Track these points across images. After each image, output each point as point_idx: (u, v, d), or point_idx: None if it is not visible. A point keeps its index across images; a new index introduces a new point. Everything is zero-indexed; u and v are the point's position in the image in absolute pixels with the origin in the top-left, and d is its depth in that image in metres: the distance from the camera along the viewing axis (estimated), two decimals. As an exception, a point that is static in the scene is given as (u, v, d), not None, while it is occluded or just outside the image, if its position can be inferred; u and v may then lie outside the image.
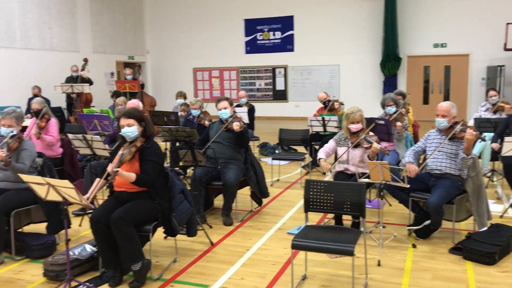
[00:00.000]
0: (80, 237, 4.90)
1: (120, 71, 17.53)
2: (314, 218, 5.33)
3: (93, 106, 12.88)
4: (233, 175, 5.11)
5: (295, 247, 3.37)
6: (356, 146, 4.78)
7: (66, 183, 3.15)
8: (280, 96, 17.17)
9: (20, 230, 4.61)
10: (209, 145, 5.22)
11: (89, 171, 5.63)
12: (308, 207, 3.74)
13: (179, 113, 8.42)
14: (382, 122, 5.69)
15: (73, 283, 3.57)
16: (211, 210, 5.64)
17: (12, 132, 4.28)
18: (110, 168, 3.49)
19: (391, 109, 6.19)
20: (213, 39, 17.64)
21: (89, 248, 4.03)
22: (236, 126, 5.13)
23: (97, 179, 3.89)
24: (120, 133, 3.83)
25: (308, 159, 7.93)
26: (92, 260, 4.01)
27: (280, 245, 4.55)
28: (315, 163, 7.73)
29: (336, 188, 3.69)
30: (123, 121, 3.79)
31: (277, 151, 9.35)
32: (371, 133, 4.78)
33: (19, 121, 4.35)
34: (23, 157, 4.29)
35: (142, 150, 3.83)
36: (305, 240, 3.37)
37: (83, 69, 12.59)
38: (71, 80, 12.62)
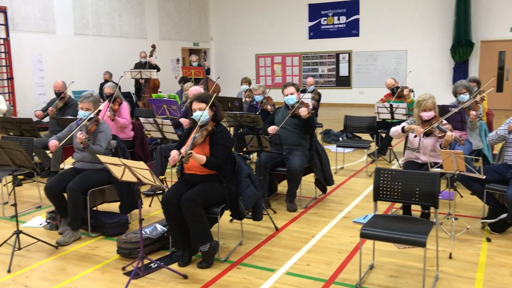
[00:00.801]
0: (150, 216, 5.09)
1: (185, 57, 17.91)
2: (381, 207, 5.21)
3: (160, 92, 13.27)
4: (298, 162, 5.10)
5: (364, 236, 3.31)
6: (428, 134, 4.60)
7: (141, 164, 3.27)
8: (344, 82, 16.86)
9: (94, 208, 4.86)
10: (278, 131, 5.22)
11: (159, 154, 5.82)
12: (378, 196, 3.65)
13: (243, 99, 8.49)
14: (455, 110, 5.43)
15: (145, 261, 3.72)
16: (274, 195, 5.66)
17: (89, 115, 4.49)
18: (183, 150, 3.58)
19: (464, 97, 5.89)
20: (276, 25, 17.57)
21: (159, 228, 4.18)
22: (303, 112, 5.09)
23: (173, 152, 4.01)
24: (192, 117, 3.91)
25: (374, 147, 7.74)
26: (162, 240, 4.15)
27: (345, 233, 4.50)
28: (381, 151, 7.55)
29: (408, 178, 3.58)
30: (195, 105, 3.87)
31: (340, 139, 9.22)
32: (444, 121, 4.58)
33: (96, 104, 4.56)
34: (100, 139, 4.49)
35: (213, 134, 3.90)
36: (375, 230, 3.31)
37: (151, 55, 12.97)
38: (139, 66, 13.05)
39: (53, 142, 4.42)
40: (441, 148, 4.41)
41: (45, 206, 5.45)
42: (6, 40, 11.22)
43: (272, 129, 5.23)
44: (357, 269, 3.69)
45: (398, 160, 7.41)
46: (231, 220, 4.72)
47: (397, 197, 3.64)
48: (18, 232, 4.06)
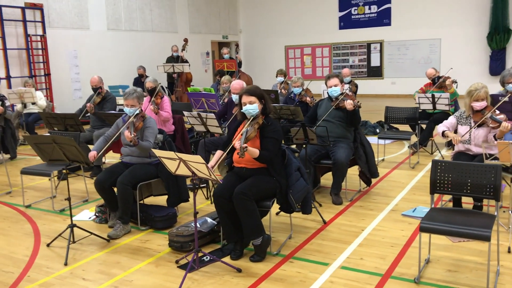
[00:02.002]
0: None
1: (214, 50, 17.94)
2: (428, 200, 5.11)
3: (193, 85, 13.33)
4: (343, 154, 5.03)
5: (424, 229, 3.24)
6: (480, 125, 4.47)
7: (197, 158, 3.27)
8: (375, 72, 16.61)
9: (141, 202, 4.91)
10: (319, 124, 5.17)
11: (202, 147, 5.83)
12: (435, 188, 3.56)
13: (279, 91, 8.44)
14: (505, 98, 5.26)
15: (199, 254, 3.73)
16: (318, 188, 5.62)
17: (135, 111, 4.51)
18: (237, 144, 3.56)
19: (512, 86, 5.73)
20: (305, 15, 17.40)
21: (210, 221, 4.19)
22: (349, 105, 5.00)
23: (218, 152, 4.02)
24: (242, 110, 3.89)
25: (414, 138, 7.60)
26: (213, 233, 4.17)
27: (396, 226, 4.42)
28: (422, 143, 7.40)
29: (466, 169, 3.48)
30: (245, 99, 3.85)
31: (378, 130, 9.09)
32: (497, 111, 4.44)
33: (140, 100, 4.58)
34: (147, 135, 4.52)
35: (263, 127, 3.87)
36: (435, 223, 3.23)
37: (183, 49, 13.03)
38: (171, 60, 13.14)
39: (92, 153, 4.45)
40: (495, 140, 4.28)
41: (92, 200, 5.55)
42: (43, 37, 11.43)
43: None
44: (413, 264, 3.63)
45: (440, 152, 7.26)
46: (277, 213, 4.70)
47: (454, 190, 3.55)
48: (72, 226, 4.13)
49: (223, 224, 3.90)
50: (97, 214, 4.84)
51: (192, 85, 13.42)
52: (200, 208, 5.15)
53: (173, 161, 3.47)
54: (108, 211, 4.74)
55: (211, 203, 5.33)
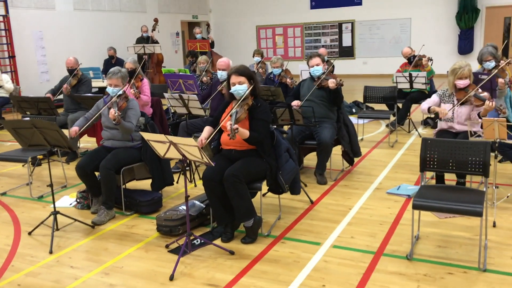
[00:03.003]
0: (180, 193, 5.03)
1: (184, 30, 17.59)
2: (411, 178, 5.20)
3: (164, 66, 13.05)
4: (328, 134, 5.03)
5: (417, 207, 3.27)
6: (463, 103, 4.53)
7: (189, 141, 3.18)
8: (347, 52, 16.66)
9: (123, 186, 4.78)
10: (303, 104, 5.14)
11: (183, 130, 5.72)
12: (425, 166, 3.60)
13: (255, 71, 8.35)
14: (485, 77, 5.35)
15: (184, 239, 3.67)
16: (301, 169, 5.61)
17: (119, 91, 4.36)
18: (228, 125, 3.48)
19: (490, 64, 5.85)
20: (277, -5, 17.23)
21: (198, 204, 4.12)
22: (332, 83, 4.98)
23: (208, 128, 3.92)
24: (230, 91, 3.81)
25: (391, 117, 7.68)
26: (201, 216, 4.11)
27: (382, 204, 4.47)
28: (399, 122, 7.48)
29: (455, 147, 3.52)
30: (235, 79, 3.76)
31: (354, 110, 9.15)
32: (479, 90, 4.51)
33: (124, 80, 4.43)
34: (130, 116, 4.38)
35: (252, 108, 3.80)
36: (427, 200, 3.26)
37: (153, 29, 12.70)
38: (141, 40, 12.80)
39: (73, 129, 4.30)
40: (480, 117, 4.35)
41: (70, 186, 5.38)
42: (6, 17, 10.91)
43: (295, 103, 5.13)
44: (403, 240, 3.68)
45: (417, 130, 7.37)
46: (264, 194, 4.67)
47: (443, 167, 3.59)
48: (55, 213, 3.98)
49: (213, 207, 3.84)
50: (78, 200, 4.69)
51: (164, 66, 13.15)
52: (183, 192, 5.06)
53: (162, 144, 3.37)
54: (90, 196, 4.60)
55: (195, 186, 5.27)
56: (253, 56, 8.83)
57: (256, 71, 8.32)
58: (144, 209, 4.45)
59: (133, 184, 4.96)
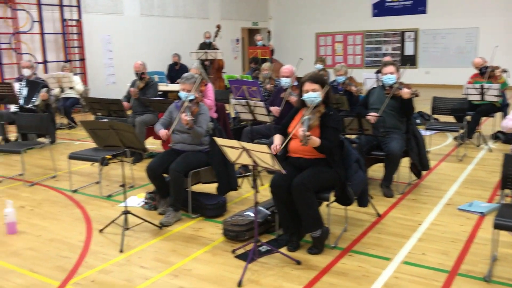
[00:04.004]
0: (243, 198, 5.04)
1: (244, 37, 17.79)
2: (482, 194, 4.96)
3: (224, 72, 13.25)
4: (397, 146, 4.89)
5: (500, 227, 3.10)
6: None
7: (263, 148, 3.18)
8: (409, 61, 16.22)
9: (188, 189, 4.85)
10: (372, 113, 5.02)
11: (246, 136, 5.75)
12: (506, 183, 3.41)
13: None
14: None
15: (251, 246, 3.65)
16: (365, 179, 5.48)
17: (190, 96, 4.44)
18: (301, 132, 3.45)
19: None
20: (338, 2, 17.10)
21: (263, 211, 4.11)
22: (406, 93, 4.84)
23: (278, 137, 3.91)
24: (303, 98, 3.78)
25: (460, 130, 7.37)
26: (266, 223, 4.09)
27: (454, 221, 4.28)
28: (468, 135, 7.18)
29: (541, 165, 3.32)
30: (308, 86, 3.73)
31: (418, 120, 8.86)
32: None
33: (196, 86, 4.50)
34: (201, 121, 4.45)
35: (324, 116, 3.76)
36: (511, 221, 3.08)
37: (216, 36, 12.92)
38: (204, 46, 13.06)
39: (163, 131, 4.43)
40: None
41: (138, 186, 5.53)
42: (79, 22, 11.46)
43: (371, 117, 4.95)
44: (479, 261, 3.50)
45: (487, 144, 7.04)
46: (328, 205, 4.59)
47: (526, 186, 3.39)
48: (126, 212, 4.10)
49: (280, 214, 3.82)
50: (146, 201, 4.81)
51: (224, 72, 13.35)
52: (248, 197, 5.08)
53: (234, 150, 3.39)
54: (158, 198, 4.70)
55: (257, 192, 5.25)
56: (315, 63, 8.77)
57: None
58: (210, 212, 4.49)
59: (198, 187, 5.03)
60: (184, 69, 12.05)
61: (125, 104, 6.55)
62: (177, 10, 14.33)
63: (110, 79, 12.52)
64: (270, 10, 18.49)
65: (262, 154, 3.24)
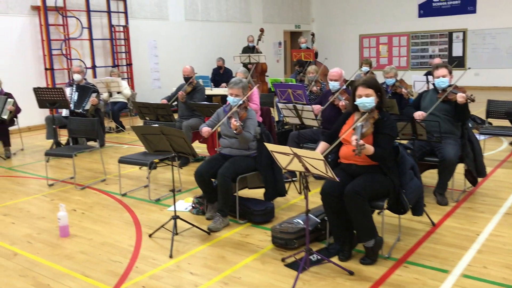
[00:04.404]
0: (290, 204, 4.96)
1: (286, 40, 17.72)
2: (547, 204, 4.67)
3: (267, 76, 13.22)
4: (452, 151, 4.68)
5: None
6: None
7: (316, 154, 3.09)
8: (457, 63, 15.66)
9: (235, 194, 4.82)
10: (427, 117, 4.84)
11: (292, 140, 5.67)
12: None
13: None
14: None
15: (301, 255, 3.56)
16: (417, 186, 5.28)
17: (239, 101, 4.41)
18: (354, 140, 3.35)
19: None
20: (382, 3, 16.76)
21: (313, 218, 4.01)
22: (461, 97, 4.63)
23: (323, 144, 3.82)
24: (355, 103, 3.67)
25: None
26: (316, 231, 3.99)
27: (516, 232, 4.05)
28: (526, 140, 6.82)
29: None
30: (362, 91, 3.62)
31: (470, 125, 8.51)
32: None
33: (245, 90, 4.48)
34: (249, 126, 4.41)
35: (377, 122, 3.63)
36: None
37: (259, 39, 12.91)
38: (247, 50, 13.07)
39: (206, 129, 4.42)
40: None
41: (185, 190, 5.55)
42: (125, 27, 11.72)
43: (419, 114, 4.84)
44: (547, 276, 3.27)
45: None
46: (379, 213, 4.44)
47: None
48: (175, 217, 4.10)
49: (331, 223, 3.72)
50: (194, 205, 4.81)
51: (267, 76, 13.32)
52: (294, 204, 5.00)
53: (285, 156, 3.32)
54: (205, 202, 4.69)
55: (305, 198, 5.16)
56: (361, 66, 8.60)
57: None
58: (257, 218, 4.44)
59: (244, 193, 4.99)
60: (228, 73, 12.10)
61: (164, 101, 6.74)
62: (220, 15, 14.42)
63: (156, 83, 12.73)
64: (312, 13, 18.34)
65: (315, 161, 3.16)
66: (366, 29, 17.30)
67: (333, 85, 5.67)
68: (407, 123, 4.48)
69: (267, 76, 13.45)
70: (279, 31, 16.88)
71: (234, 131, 4.22)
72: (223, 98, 11.97)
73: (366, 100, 3.59)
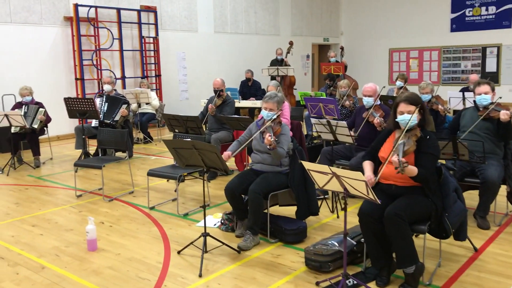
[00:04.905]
0: (322, 224, 4.79)
1: (315, 53, 17.60)
2: None
3: (295, 89, 13.11)
4: (495, 172, 4.44)
5: None
6: None
7: (357, 175, 2.93)
8: (491, 79, 15.19)
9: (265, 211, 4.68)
10: (465, 136, 4.62)
11: (324, 156, 5.51)
12: None
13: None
14: None
15: (337, 279, 3.39)
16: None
17: (273, 116, 4.29)
18: (396, 158, 3.18)
19: None
20: (413, 17, 16.48)
21: (349, 240, 3.83)
22: (504, 115, 4.41)
23: (368, 164, 3.66)
24: (397, 120, 3.50)
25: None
26: (352, 254, 3.81)
27: None
28: None
29: None
30: (403, 107, 3.45)
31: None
32: None
33: (279, 105, 4.36)
34: (282, 141, 4.28)
35: (420, 141, 3.45)
36: None
37: (288, 52, 12.82)
38: (275, 62, 13.00)
39: (226, 153, 4.30)
40: None
41: (213, 205, 5.43)
42: (155, 39, 11.78)
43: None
44: None
45: None
46: (416, 235, 4.23)
47: None
48: (206, 235, 3.98)
49: (369, 246, 3.53)
50: (223, 221, 4.68)
51: (295, 89, 13.20)
52: (326, 223, 4.83)
53: (323, 175, 3.17)
54: (235, 219, 4.56)
55: (337, 217, 4.99)
56: (396, 80, 8.39)
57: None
58: (289, 238, 4.28)
59: (274, 210, 4.84)
60: (257, 85, 12.03)
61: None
62: (249, 27, 14.41)
63: (184, 95, 12.75)
64: (341, 26, 18.18)
65: (356, 181, 3.00)
66: (396, 43, 17.03)
67: (367, 101, 5.50)
68: (448, 142, 4.27)
69: (295, 89, 13.35)
70: (307, 44, 16.77)
71: (268, 147, 4.09)
72: (251, 111, 11.93)
73: (408, 117, 3.42)
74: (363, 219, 3.48)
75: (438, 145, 3.53)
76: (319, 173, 3.19)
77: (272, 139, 4.02)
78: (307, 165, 3.23)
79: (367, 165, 3.69)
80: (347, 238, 3.84)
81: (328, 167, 3.07)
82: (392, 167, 3.44)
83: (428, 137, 3.48)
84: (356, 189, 3.06)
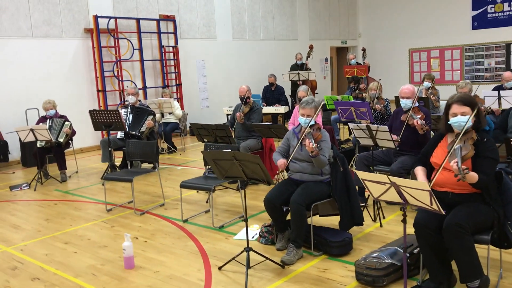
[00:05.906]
0: (366, 234, 4.57)
1: (333, 56, 17.38)
2: None
3: (317, 93, 12.90)
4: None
5: None
6: None
7: (420, 184, 2.72)
8: (517, 76, 14.87)
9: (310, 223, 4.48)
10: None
11: (361, 162, 5.30)
12: None
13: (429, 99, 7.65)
14: None
15: (400, 293, 3.18)
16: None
17: (310, 121, 4.10)
18: (455, 165, 2.95)
19: None
20: (432, 16, 16.18)
21: (400, 252, 3.61)
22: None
23: (420, 170, 3.45)
24: (449, 122, 3.29)
25: None
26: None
27: None
28: None
29: None
30: (457, 109, 3.24)
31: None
32: None
33: (317, 110, 4.16)
34: (324, 149, 4.08)
35: (477, 144, 3.23)
36: None
37: (308, 56, 12.63)
38: (295, 67, 12.81)
39: (282, 161, 4.13)
40: None
41: (249, 216, 5.24)
42: (175, 48, 11.69)
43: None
44: None
45: None
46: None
47: None
48: (249, 250, 3.79)
49: (426, 259, 3.31)
50: (262, 234, 4.49)
51: (317, 93, 12.99)
52: (370, 233, 4.61)
53: (379, 185, 2.96)
54: (275, 231, 4.37)
55: (380, 226, 4.77)
56: (423, 81, 8.13)
57: (429, 98, 7.63)
58: (335, 250, 4.07)
59: (315, 221, 4.63)
60: (280, 90, 11.86)
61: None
62: (267, 33, 14.27)
63: (204, 103, 12.63)
64: (359, 28, 17.95)
65: (418, 191, 2.78)
66: (416, 43, 16.73)
67: (405, 103, 5.27)
68: (501, 144, 4.04)
69: (317, 93, 13.14)
70: (325, 47, 16.57)
71: (310, 154, 3.89)
72: (274, 117, 11.74)
73: (462, 119, 3.20)
74: (420, 231, 3.26)
75: (497, 148, 3.30)
76: (375, 183, 2.98)
77: (314, 145, 3.83)
78: (361, 174, 3.03)
79: (420, 171, 3.48)
80: (397, 248, 3.65)
81: (387, 177, 2.86)
82: (447, 173, 3.24)
83: (485, 140, 3.25)
84: (417, 199, 2.84)
